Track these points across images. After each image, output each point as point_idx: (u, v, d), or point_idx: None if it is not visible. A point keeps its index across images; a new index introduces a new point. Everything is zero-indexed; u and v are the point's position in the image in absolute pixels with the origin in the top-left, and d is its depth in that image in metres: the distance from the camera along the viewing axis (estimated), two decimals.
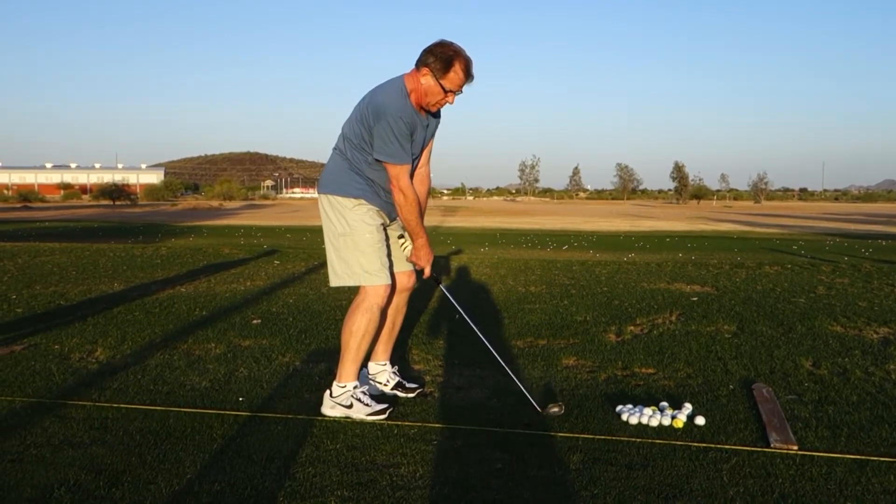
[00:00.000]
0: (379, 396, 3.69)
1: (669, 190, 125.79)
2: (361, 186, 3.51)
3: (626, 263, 10.40)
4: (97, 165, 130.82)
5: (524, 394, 3.61)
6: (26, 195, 77.03)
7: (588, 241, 18.83)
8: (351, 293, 3.94)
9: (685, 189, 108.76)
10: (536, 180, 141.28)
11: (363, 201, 3.51)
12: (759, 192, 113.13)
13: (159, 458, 2.89)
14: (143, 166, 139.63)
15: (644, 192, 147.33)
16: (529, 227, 28.45)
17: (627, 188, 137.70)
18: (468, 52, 3.42)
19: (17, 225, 25.98)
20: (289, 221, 32.01)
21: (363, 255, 3.50)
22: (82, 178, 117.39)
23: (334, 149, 3.61)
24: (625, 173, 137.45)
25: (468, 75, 3.43)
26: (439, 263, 9.57)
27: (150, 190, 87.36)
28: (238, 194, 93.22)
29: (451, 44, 3.41)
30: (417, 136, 3.49)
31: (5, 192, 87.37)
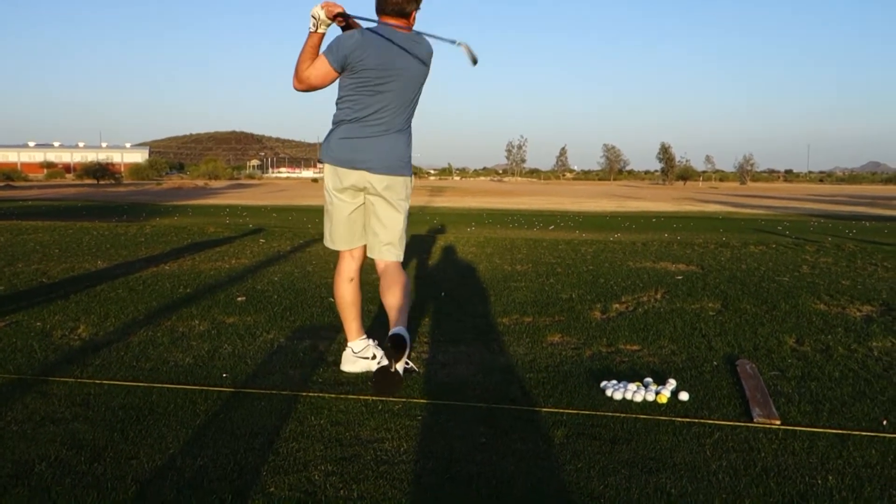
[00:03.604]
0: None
1: (656, 171, 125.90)
2: (327, 145, 3.68)
3: (611, 243, 10.42)
4: (81, 144, 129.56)
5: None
6: (9, 174, 76.09)
7: (574, 222, 18.85)
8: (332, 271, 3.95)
9: (671, 170, 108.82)
10: (523, 160, 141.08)
11: (327, 164, 3.69)
12: (744, 173, 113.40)
13: (142, 434, 2.87)
14: (128, 145, 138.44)
15: (630, 172, 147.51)
16: (516, 208, 28.45)
17: (614, 169, 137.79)
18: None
19: None
20: (275, 201, 31.86)
21: (328, 219, 3.79)
22: (66, 157, 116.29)
23: (395, 126, 3.69)
24: (611, 154, 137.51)
25: None
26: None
27: (135, 169, 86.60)
28: (223, 174, 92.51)
29: None
30: (369, 59, 3.52)
31: None
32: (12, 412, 3.10)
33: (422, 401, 3.31)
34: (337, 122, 3.65)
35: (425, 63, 3.65)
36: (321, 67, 3.55)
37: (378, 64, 3.51)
